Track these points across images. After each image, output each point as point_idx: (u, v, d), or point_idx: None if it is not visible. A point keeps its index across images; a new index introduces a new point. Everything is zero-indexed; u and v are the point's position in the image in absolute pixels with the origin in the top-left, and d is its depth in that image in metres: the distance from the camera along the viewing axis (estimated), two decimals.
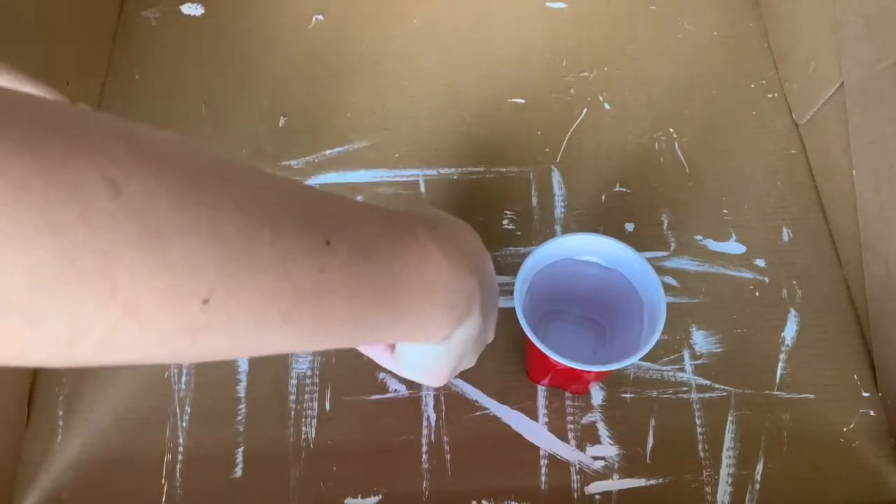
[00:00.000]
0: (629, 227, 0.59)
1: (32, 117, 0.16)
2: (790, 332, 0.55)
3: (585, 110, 0.65)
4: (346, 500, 0.50)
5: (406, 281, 0.27)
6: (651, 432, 0.52)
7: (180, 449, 0.51)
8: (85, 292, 0.17)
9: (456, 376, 0.53)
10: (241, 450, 0.51)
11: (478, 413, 0.52)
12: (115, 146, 0.17)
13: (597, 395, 0.53)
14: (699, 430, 0.52)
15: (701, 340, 0.55)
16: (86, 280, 0.16)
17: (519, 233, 0.59)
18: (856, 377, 0.53)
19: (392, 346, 0.36)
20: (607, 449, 0.51)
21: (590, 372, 0.44)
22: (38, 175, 0.15)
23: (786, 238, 0.59)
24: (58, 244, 0.16)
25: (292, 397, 0.53)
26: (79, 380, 0.53)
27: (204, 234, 0.19)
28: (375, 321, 0.26)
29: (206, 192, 0.19)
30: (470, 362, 0.37)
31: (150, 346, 0.19)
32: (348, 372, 0.54)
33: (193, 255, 0.19)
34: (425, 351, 0.32)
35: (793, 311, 0.56)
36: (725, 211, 0.60)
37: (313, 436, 0.52)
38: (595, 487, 0.50)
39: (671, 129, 0.64)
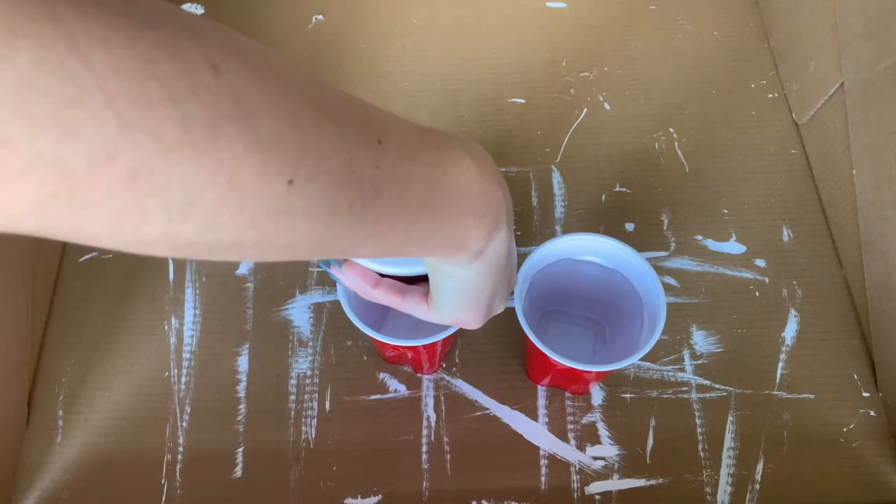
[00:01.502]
0: (629, 227, 0.59)
1: (148, 2, 0.18)
2: (790, 332, 0.55)
3: (585, 110, 0.65)
4: (346, 500, 0.50)
5: (446, 186, 0.28)
6: (651, 432, 0.52)
7: (180, 449, 0.51)
8: (198, 161, 0.18)
9: (456, 376, 0.53)
10: (241, 450, 0.51)
11: (478, 413, 0.52)
12: (212, 34, 0.19)
13: (597, 395, 0.53)
14: (699, 430, 0.52)
15: (701, 340, 0.55)
16: (199, 150, 0.18)
17: (519, 233, 0.59)
18: (856, 377, 0.53)
19: (426, 295, 0.37)
20: (607, 449, 0.51)
21: (590, 372, 0.44)
22: (160, 48, 0.17)
23: (786, 238, 0.59)
24: (176, 113, 0.17)
25: (292, 397, 0.53)
26: (79, 380, 0.53)
27: (285, 118, 0.20)
28: (418, 225, 0.27)
29: (283, 83, 0.21)
30: (499, 306, 0.37)
31: (244, 226, 0.20)
32: (348, 372, 0.54)
33: (279, 137, 0.20)
34: (458, 272, 0.33)
35: (793, 311, 0.56)
36: (725, 211, 0.60)
37: (313, 436, 0.52)
38: (595, 487, 0.50)
39: (671, 129, 0.64)
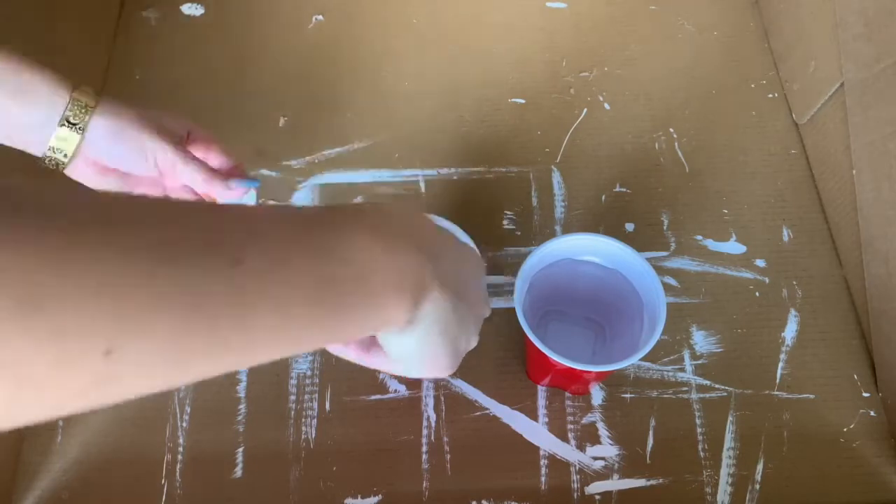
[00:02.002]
0: (629, 227, 0.59)
1: None
2: (790, 332, 0.55)
3: (585, 110, 0.65)
4: (346, 500, 0.50)
5: (338, 276, 0.26)
6: (651, 432, 0.52)
7: (180, 449, 0.51)
8: None
9: (456, 376, 0.53)
10: (241, 450, 0.51)
11: (478, 413, 0.52)
12: None
13: (597, 395, 0.53)
14: (699, 430, 0.52)
15: (701, 340, 0.55)
16: None
17: (519, 233, 0.59)
18: (856, 377, 0.53)
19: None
20: (607, 449, 0.51)
21: (590, 372, 0.44)
22: None
23: (786, 238, 0.59)
24: None
25: (292, 397, 0.53)
26: None
27: (91, 290, 0.19)
28: (318, 322, 0.26)
29: (88, 247, 0.19)
30: (469, 343, 0.35)
31: (55, 405, 0.19)
32: (348, 372, 0.54)
33: (83, 315, 0.18)
34: (402, 340, 0.31)
35: (793, 311, 0.56)
36: (725, 211, 0.60)
37: (313, 436, 0.52)
38: (595, 487, 0.50)
39: (671, 129, 0.64)
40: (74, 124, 0.39)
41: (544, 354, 0.42)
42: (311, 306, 0.25)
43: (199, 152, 0.46)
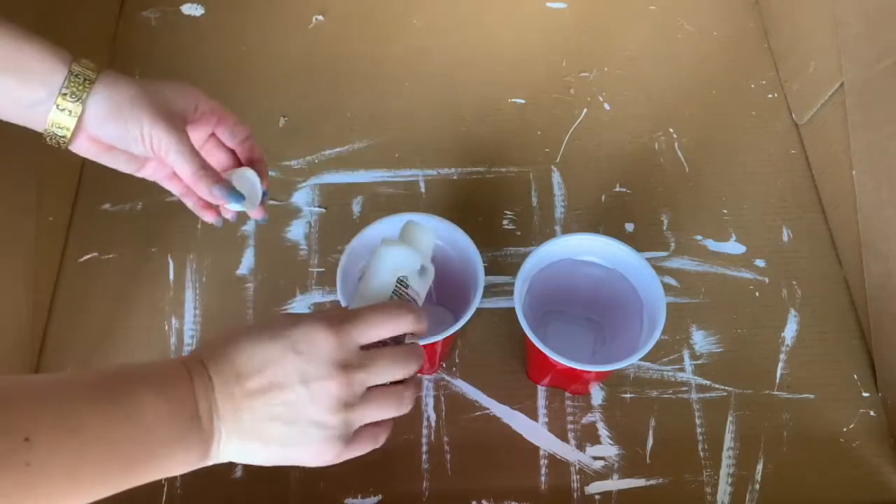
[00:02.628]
0: (629, 227, 0.59)
1: None
2: (790, 332, 0.55)
3: (585, 110, 0.65)
4: (346, 501, 0.50)
5: (125, 436, 0.29)
6: (651, 432, 0.52)
7: None
8: None
9: (456, 376, 0.53)
10: None
11: (478, 413, 0.52)
12: None
13: (597, 395, 0.53)
14: (699, 430, 0.52)
15: (701, 340, 0.55)
16: None
17: (519, 233, 0.59)
18: (856, 377, 0.53)
19: None
20: (607, 449, 0.51)
21: (589, 372, 0.44)
22: None
23: (786, 238, 0.59)
24: None
25: None
26: None
27: None
28: (112, 480, 0.29)
29: None
30: (325, 453, 0.33)
31: None
32: None
33: None
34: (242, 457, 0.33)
35: (793, 311, 0.56)
36: (725, 211, 0.60)
37: None
38: (595, 487, 0.50)
39: (671, 129, 0.64)
40: (73, 100, 0.37)
41: (544, 354, 0.42)
42: (103, 466, 0.28)
43: (204, 128, 0.44)
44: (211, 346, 0.32)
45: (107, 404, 0.28)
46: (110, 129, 0.38)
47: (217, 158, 0.45)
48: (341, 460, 0.33)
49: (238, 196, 0.42)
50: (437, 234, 0.47)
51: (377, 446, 0.34)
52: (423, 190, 0.61)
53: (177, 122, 0.40)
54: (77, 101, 0.37)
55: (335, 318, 0.33)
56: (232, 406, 0.31)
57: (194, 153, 0.40)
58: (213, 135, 0.45)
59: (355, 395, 0.32)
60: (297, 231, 0.59)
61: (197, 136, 0.44)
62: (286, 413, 0.31)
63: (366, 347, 0.33)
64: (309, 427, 0.32)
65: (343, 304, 0.43)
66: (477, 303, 0.43)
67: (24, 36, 0.37)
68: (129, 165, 0.42)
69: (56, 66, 0.37)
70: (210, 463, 0.32)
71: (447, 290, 0.50)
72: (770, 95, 0.66)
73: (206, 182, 0.40)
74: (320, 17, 0.71)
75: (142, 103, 0.38)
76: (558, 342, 0.52)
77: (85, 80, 0.37)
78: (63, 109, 0.37)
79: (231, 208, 0.43)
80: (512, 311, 0.44)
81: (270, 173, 0.62)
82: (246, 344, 0.32)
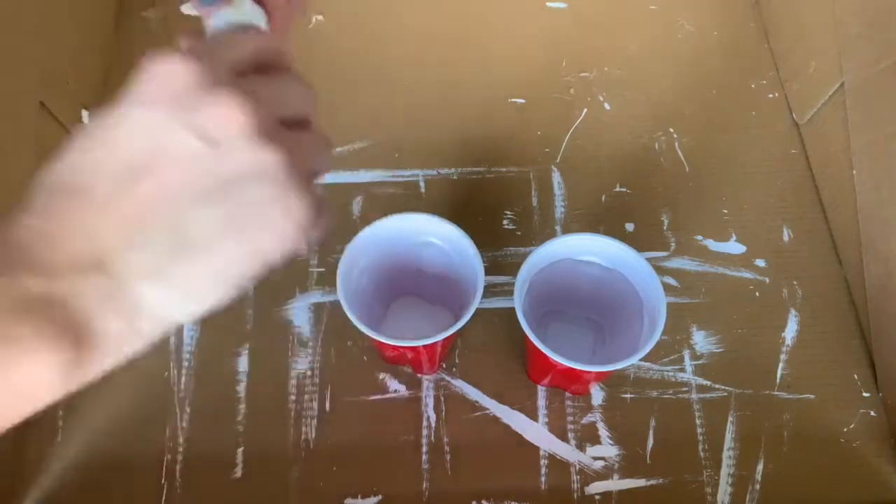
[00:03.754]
0: (629, 227, 0.59)
1: None
2: (790, 332, 0.55)
3: (585, 110, 0.65)
4: (345, 500, 0.50)
5: None
6: (651, 432, 0.52)
7: (180, 449, 0.51)
8: None
9: (456, 376, 0.53)
10: (241, 450, 0.51)
11: (478, 413, 0.52)
12: None
13: (597, 395, 0.53)
14: (699, 430, 0.52)
15: (701, 340, 0.55)
16: None
17: (519, 233, 0.59)
18: (856, 377, 0.53)
19: None
20: (607, 449, 0.51)
21: (589, 372, 0.44)
22: None
23: (786, 238, 0.59)
24: None
25: (292, 397, 0.53)
26: None
27: None
28: None
29: None
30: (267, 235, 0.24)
31: None
32: (348, 372, 0.54)
33: None
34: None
35: (793, 311, 0.56)
36: (725, 211, 0.60)
37: (313, 436, 0.52)
38: (595, 487, 0.50)
39: (671, 129, 0.64)
40: None
41: (544, 354, 0.42)
42: None
43: None
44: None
45: None
46: None
47: None
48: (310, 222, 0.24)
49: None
50: (438, 234, 0.47)
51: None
52: (423, 190, 0.61)
53: None
54: None
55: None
56: (100, 246, 0.21)
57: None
58: None
59: (264, 120, 0.22)
60: None
61: None
62: (196, 200, 0.21)
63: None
64: (238, 192, 0.21)
65: (344, 303, 0.43)
66: (476, 303, 0.43)
67: None
68: None
69: None
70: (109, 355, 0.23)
71: (447, 290, 0.50)
72: (770, 95, 0.66)
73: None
74: (320, 17, 0.71)
75: None
76: (558, 342, 0.52)
77: None
78: None
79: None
80: (512, 311, 0.44)
81: None
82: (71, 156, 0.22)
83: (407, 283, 0.52)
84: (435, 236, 0.47)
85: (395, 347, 0.45)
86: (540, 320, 0.53)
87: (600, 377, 0.50)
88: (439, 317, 0.53)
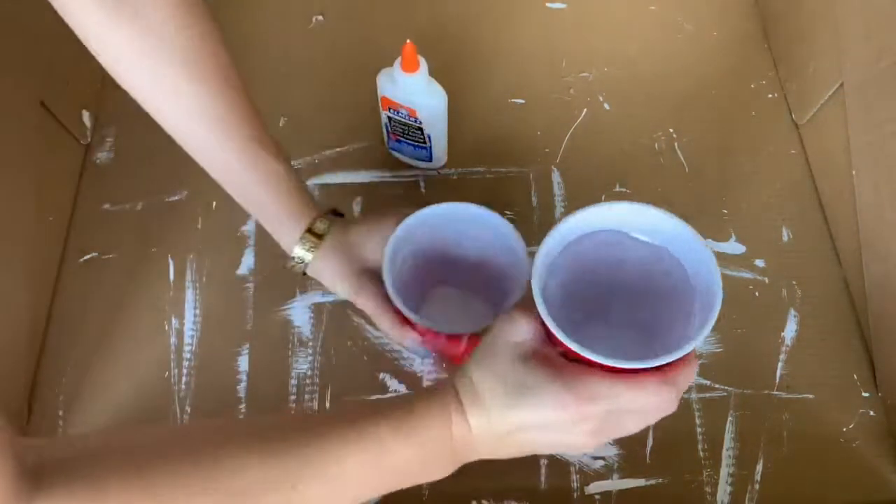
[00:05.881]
0: None
1: None
2: (790, 332, 0.55)
3: (585, 110, 0.65)
4: None
5: (385, 478, 0.35)
6: (651, 432, 0.52)
7: None
8: None
9: None
10: None
11: None
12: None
13: None
14: (699, 429, 0.52)
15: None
16: None
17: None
18: (856, 377, 0.53)
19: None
20: (607, 449, 0.51)
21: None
22: None
23: (786, 238, 0.59)
24: None
25: (292, 397, 0.53)
26: (79, 380, 0.53)
27: None
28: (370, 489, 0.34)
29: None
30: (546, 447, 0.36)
31: None
32: (348, 372, 0.54)
33: None
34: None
35: (793, 311, 0.56)
36: (725, 211, 0.60)
37: None
38: (595, 487, 0.50)
39: (671, 129, 0.64)
40: (308, 249, 0.46)
41: (580, 356, 0.33)
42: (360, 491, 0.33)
43: None
44: (470, 398, 0.35)
45: (365, 455, 0.32)
46: (331, 285, 0.47)
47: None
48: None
49: (422, 352, 0.47)
50: (484, 223, 0.47)
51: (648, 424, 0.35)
52: (423, 190, 0.61)
53: (367, 287, 0.46)
54: (311, 249, 0.46)
55: (585, 392, 0.33)
56: (490, 448, 0.36)
57: (387, 313, 0.45)
58: None
59: (615, 424, 0.35)
60: None
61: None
62: (541, 444, 0.35)
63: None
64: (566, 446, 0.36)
65: (388, 285, 0.44)
66: (516, 299, 0.42)
67: (285, 189, 0.46)
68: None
69: (297, 227, 0.46)
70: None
71: (486, 280, 0.49)
72: (770, 95, 0.66)
73: (399, 334, 0.46)
74: (320, 17, 0.71)
75: (338, 279, 0.46)
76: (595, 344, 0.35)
77: (312, 245, 0.46)
78: (300, 255, 0.46)
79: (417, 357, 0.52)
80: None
81: None
82: (501, 408, 0.34)
83: (445, 272, 0.51)
84: (481, 226, 0.47)
85: (436, 335, 0.45)
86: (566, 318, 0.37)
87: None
88: (475, 307, 0.51)
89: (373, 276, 0.46)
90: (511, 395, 0.34)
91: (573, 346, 0.33)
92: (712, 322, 0.33)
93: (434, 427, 0.34)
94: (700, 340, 0.33)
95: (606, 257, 0.38)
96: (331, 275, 0.47)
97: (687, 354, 0.33)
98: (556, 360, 0.34)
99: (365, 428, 0.33)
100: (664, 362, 0.33)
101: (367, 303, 0.46)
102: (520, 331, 0.35)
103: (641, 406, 0.34)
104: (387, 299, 0.45)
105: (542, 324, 0.35)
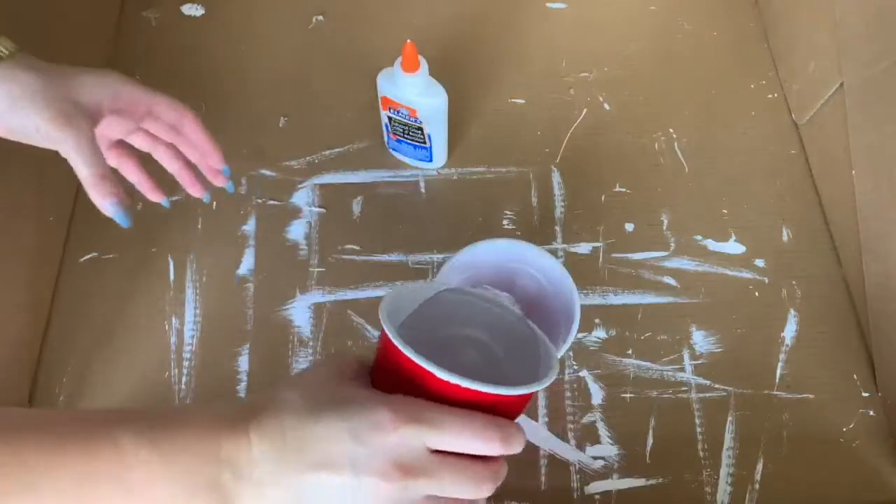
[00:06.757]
0: (629, 226, 0.59)
1: None
2: (790, 332, 0.55)
3: (585, 110, 0.65)
4: None
5: (113, 495, 0.27)
6: (651, 432, 0.52)
7: None
8: None
9: None
10: None
11: None
12: None
13: (597, 394, 0.53)
14: (699, 430, 0.52)
15: (701, 340, 0.55)
16: None
17: (519, 232, 0.59)
18: (856, 377, 0.53)
19: None
20: (607, 449, 0.51)
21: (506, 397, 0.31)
22: None
23: (786, 238, 0.59)
24: None
25: None
26: (79, 380, 0.53)
27: None
28: None
29: None
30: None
31: None
32: None
33: None
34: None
35: (793, 311, 0.56)
36: (725, 211, 0.60)
37: None
38: (595, 487, 0.50)
39: (671, 129, 0.64)
40: None
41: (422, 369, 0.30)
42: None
43: (128, 119, 0.41)
44: (260, 409, 0.30)
45: (92, 464, 0.27)
46: (9, 119, 0.37)
47: (159, 155, 0.44)
48: None
49: (124, 218, 0.39)
50: (534, 264, 0.44)
51: None
52: (423, 190, 0.61)
53: (77, 119, 0.37)
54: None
55: (406, 411, 0.29)
56: (273, 474, 0.29)
57: (94, 155, 0.37)
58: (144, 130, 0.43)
59: (409, 500, 0.29)
60: (297, 231, 0.59)
61: (119, 128, 0.42)
62: (328, 496, 0.29)
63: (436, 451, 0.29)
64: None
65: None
66: (571, 339, 0.40)
67: None
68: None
69: None
70: None
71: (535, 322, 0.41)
72: (770, 95, 0.66)
73: (98, 191, 0.37)
74: (320, 17, 0.71)
75: (40, 97, 0.36)
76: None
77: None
78: None
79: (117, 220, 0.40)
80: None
81: (270, 173, 0.62)
82: (303, 415, 0.29)
83: None
84: (531, 266, 0.46)
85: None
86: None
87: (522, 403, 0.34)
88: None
89: (86, 113, 0.38)
90: (321, 405, 0.29)
91: (412, 356, 0.30)
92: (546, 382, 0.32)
93: (196, 436, 0.29)
94: (544, 385, 0.31)
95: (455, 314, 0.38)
96: (12, 103, 0.36)
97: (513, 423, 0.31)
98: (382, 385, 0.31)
99: (99, 430, 0.28)
100: (503, 392, 0.30)
101: (57, 134, 0.36)
102: (348, 361, 0.32)
103: (463, 445, 0.29)
104: (94, 141, 0.37)
105: (384, 353, 0.32)
